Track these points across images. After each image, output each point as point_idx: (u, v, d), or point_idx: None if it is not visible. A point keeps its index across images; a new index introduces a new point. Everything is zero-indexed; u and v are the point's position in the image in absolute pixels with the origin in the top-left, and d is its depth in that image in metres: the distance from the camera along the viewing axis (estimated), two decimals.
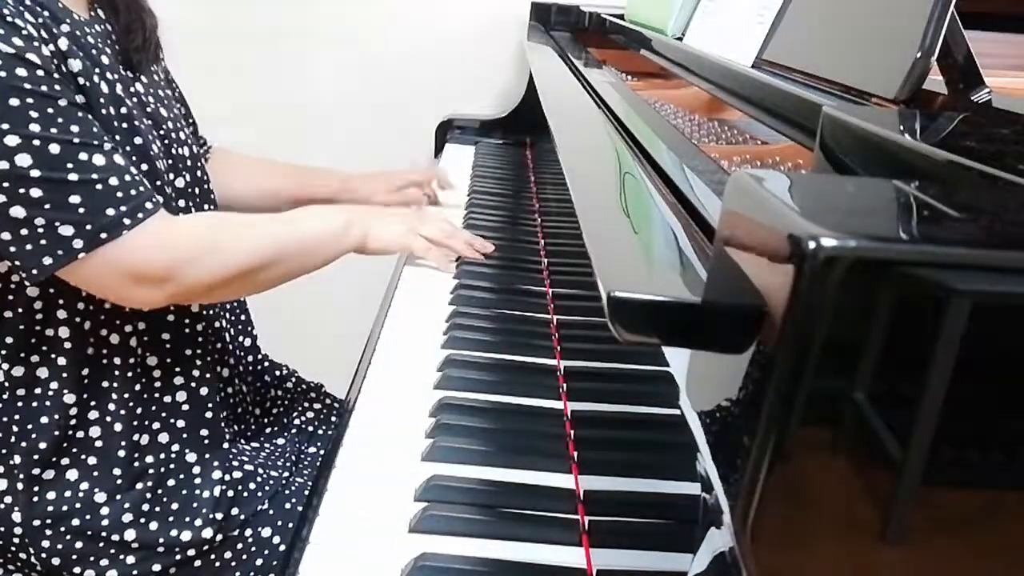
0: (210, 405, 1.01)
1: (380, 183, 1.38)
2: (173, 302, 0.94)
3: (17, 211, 0.80)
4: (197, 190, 1.03)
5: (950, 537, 0.33)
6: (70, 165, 0.81)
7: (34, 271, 0.82)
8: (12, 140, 0.78)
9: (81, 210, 0.82)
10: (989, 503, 0.33)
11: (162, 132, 0.97)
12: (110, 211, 0.83)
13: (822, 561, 0.34)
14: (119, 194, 0.84)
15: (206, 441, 1.00)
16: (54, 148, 0.80)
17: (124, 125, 0.90)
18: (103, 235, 0.83)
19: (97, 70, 0.88)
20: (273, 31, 2.04)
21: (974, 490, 0.33)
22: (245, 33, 2.03)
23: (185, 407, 0.99)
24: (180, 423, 0.98)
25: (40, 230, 0.81)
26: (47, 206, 0.80)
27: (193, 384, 1.00)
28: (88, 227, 0.82)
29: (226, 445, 1.02)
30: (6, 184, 0.79)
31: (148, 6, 1.03)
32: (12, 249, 0.81)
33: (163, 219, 0.88)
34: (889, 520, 0.33)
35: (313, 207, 1.14)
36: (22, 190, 0.79)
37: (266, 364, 1.22)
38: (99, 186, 0.82)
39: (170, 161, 0.97)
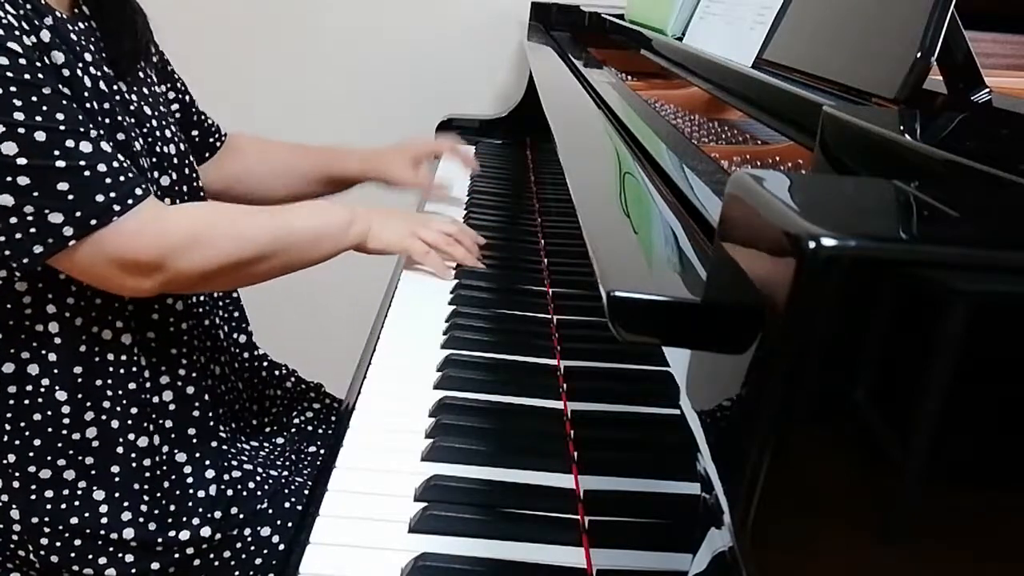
0: (197, 404, 1.00)
1: (401, 159, 1.37)
2: (165, 291, 0.93)
3: (5, 199, 0.80)
4: (185, 188, 1.02)
5: (950, 537, 0.33)
6: (56, 152, 0.80)
7: (25, 260, 0.82)
8: None
9: (70, 197, 0.81)
10: (989, 503, 0.33)
11: (145, 130, 0.96)
12: (99, 197, 0.83)
13: (822, 561, 0.34)
14: (107, 180, 0.83)
15: (195, 440, 0.99)
16: (40, 136, 0.80)
17: (106, 120, 0.89)
18: (93, 221, 0.82)
19: (80, 64, 0.88)
20: (273, 31, 2.04)
21: (974, 490, 0.33)
22: (245, 33, 2.03)
23: (172, 407, 0.98)
24: (168, 423, 0.97)
25: (29, 218, 0.81)
26: (35, 193, 0.80)
27: (179, 383, 0.99)
28: (78, 214, 0.82)
29: (215, 443, 1.01)
30: None
31: (138, 5, 1.02)
32: (2, 239, 0.81)
33: (154, 207, 0.88)
34: (889, 520, 0.33)
35: (316, 202, 1.12)
36: (9, 178, 0.79)
37: (265, 363, 1.22)
38: (87, 172, 0.82)
39: (154, 159, 0.97)
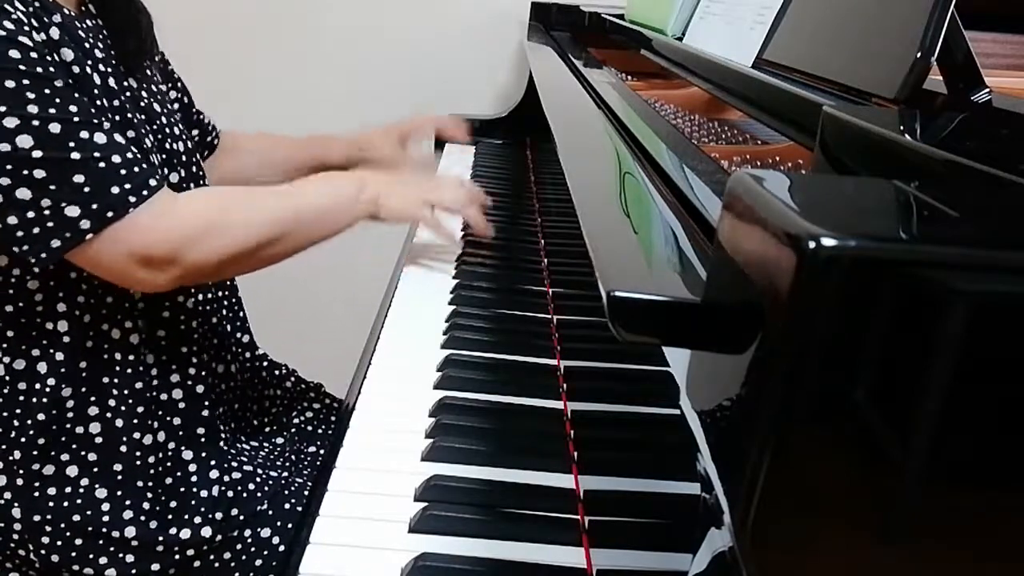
0: (206, 403, 1.00)
1: (386, 138, 1.38)
2: (180, 284, 0.93)
3: (23, 193, 0.80)
4: (192, 185, 1.02)
5: (950, 537, 0.33)
6: (71, 144, 0.81)
7: (44, 255, 0.82)
8: (11, 122, 0.78)
9: (86, 189, 0.81)
10: (989, 503, 0.33)
11: (155, 127, 0.97)
12: (115, 189, 0.83)
13: (822, 561, 0.34)
14: (122, 171, 0.83)
15: (202, 439, 0.99)
16: (54, 127, 0.80)
17: (116, 117, 0.89)
18: (109, 214, 0.83)
19: (89, 62, 0.88)
20: (273, 31, 2.04)
21: (974, 490, 0.33)
22: (245, 32, 2.03)
23: (181, 404, 0.98)
24: (176, 421, 0.98)
25: (47, 212, 0.81)
26: (52, 186, 0.80)
27: (189, 382, 0.99)
28: (94, 206, 0.82)
29: (223, 444, 1.02)
30: (9, 166, 0.79)
31: (142, 4, 1.03)
32: (20, 234, 0.81)
33: (168, 197, 0.88)
34: (889, 520, 0.33)
35: (323, 175, 1.11)
36: (25, 171, 0.79)
37: (265, 363, 1.22)
38: (102, 164, 0.82)
39: (164, 156, 0.97)
